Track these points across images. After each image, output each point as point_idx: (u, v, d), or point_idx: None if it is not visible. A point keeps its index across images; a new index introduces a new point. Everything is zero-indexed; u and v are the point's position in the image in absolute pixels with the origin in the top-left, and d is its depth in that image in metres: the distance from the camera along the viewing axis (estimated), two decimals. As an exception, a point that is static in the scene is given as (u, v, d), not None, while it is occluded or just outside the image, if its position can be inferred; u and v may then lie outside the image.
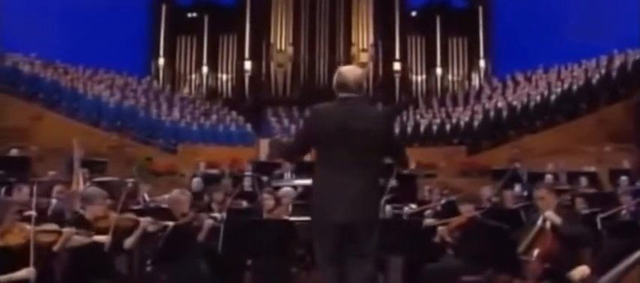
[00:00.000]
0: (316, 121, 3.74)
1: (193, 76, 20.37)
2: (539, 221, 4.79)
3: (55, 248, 4.30)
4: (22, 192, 7.06)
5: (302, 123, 14.27)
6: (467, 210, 5.62)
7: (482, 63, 19.97)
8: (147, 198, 8.08)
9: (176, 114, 16.01)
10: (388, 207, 7.83)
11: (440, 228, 5.53)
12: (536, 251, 4.63)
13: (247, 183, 10.80)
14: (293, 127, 16.61)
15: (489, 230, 5.34)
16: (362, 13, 19.16)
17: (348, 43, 19.14)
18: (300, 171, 12.38)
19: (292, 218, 5.79)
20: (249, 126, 16.87)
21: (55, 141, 12.17)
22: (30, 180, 10.44)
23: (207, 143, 15.78)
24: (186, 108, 17.13)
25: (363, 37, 19.06)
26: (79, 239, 4.66)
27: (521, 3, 18.64)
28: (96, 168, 11.59)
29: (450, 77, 20.11)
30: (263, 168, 12.35)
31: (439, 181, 11.91)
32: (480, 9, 19.85)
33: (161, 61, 20.08)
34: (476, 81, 19.76)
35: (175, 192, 5.98)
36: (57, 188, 7.97)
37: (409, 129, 15.92)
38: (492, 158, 13.66)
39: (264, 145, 15.22)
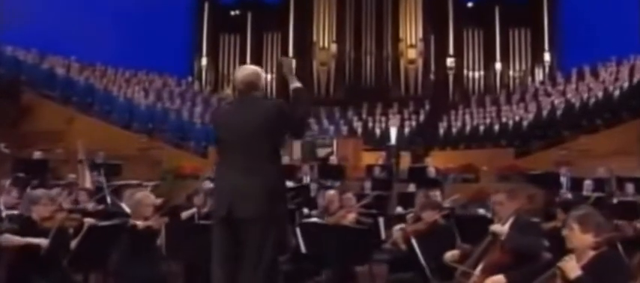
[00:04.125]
0: (213, 122, 4.11)
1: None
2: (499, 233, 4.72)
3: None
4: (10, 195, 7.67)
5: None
6: (429, 216, 5.61)
7: (547, 56, 19.31)
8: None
9: (208, 116, 16.55)
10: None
11: (395, 231, 5.55)
12: (481, 265, 4.58)
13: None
14: (332, 128, 16.76)
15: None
16: (410, 6, 19.00)
17: (396, 39, 19.04)
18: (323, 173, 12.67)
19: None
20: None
21: (86, 144, 12.97)
22: (49, 182, 11.25)
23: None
24: (223, 109, 17.63)
25: (412, 31, 18.89)
26: (14, 239, 5.07)
27: (592, -12, 17.94)
28: (112, 171, 12.36)
29: (510, 73, 19.57)
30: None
31: (475, 187, 11.69)
32: (545, -4, 19.24)
33: (204, 60, 20.76)
34: (540, 76, 19.14)
35: (138, 195, 6.26)
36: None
37: (454, 130, 15.65)
38: (540, 161, 13.25)
39: (297, 148, 15.42)
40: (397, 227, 5.92)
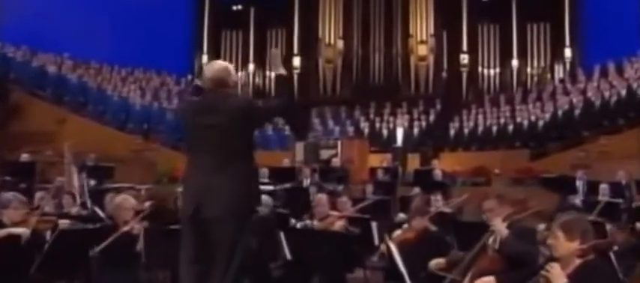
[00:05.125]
0: (181, 118, 4.13)
1: (240, 74, 20.92)
2: (490, 240, 4.73)
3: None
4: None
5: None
6: (418, 224, 5.58)
7: (567, 52, 19.12)
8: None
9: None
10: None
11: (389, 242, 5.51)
12: (470, 273, 4.57)
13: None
14: (337, 129, 16.74)
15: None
16: (421, 0, 18.94)
17: (406, 35, 18.98)
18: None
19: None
20: (287, 129, 17.13)
21: (79, 146, 13.04)
22: (36, 186, 11.33)
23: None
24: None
25: (423, 27, 18.81)
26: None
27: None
28: (104, 174, 12.42)
29: (528, 70, 19.43)
30: (280, 175, 12.65)
31: (482, 191, 11.60)
32: (566, -12, 19.08)
33: (204, 58, 20.74)
34: (560, 73, 18.99)
35: (117, 198, 6.28)
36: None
37: (466, 131, 15.57)
38: (557, 163, 13.15)
39: (300, 149, 15.43)
40: (396, 233, 5.88)
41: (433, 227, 5.71)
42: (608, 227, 5.88)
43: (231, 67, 4.10)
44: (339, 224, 6.39)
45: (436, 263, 5.02)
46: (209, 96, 3.97)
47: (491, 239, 4.70)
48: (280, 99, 4.13)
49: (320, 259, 5.72)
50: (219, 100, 3.90)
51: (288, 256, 5.97)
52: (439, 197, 8.29)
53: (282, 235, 6.07)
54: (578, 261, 3.51)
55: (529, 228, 4.90)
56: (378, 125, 16.85)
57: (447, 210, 7.93)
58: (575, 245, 3.51)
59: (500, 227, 4.64)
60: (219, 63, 4.11)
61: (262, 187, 11.17)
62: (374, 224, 6.84)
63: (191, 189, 3.93)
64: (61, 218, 6.00)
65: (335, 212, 6.87)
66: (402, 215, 8.29)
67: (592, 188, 10.93)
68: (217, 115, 3.84)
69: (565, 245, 3.52)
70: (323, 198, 6.76)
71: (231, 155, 3.83)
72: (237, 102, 3.92)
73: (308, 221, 6.99)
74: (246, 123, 3.87)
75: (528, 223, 5.06)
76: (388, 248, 5.25)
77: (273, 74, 20.67)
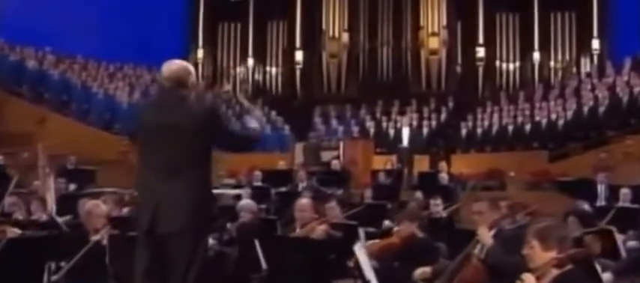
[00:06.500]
0: (138, 116, 4.29)
1: (238, 70, 20.96)
2: (477, 249, 4.66)
3: None
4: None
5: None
6: (405, 229, 5.52)
7: (595, 44, 18.97)
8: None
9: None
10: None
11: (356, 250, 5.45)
12: (454, 283, 4.53)
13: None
14: (340, 129, 16.68)
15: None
16: (433, -11, 18.89)
17: (416, 27, 18.93)
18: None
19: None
20: (287, 129, 17.09)
21: (59, 147, 13.05)
22: (10, 191, 11.36)
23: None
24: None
25: (435, 17, 18.72)
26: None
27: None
28: (85, 177, 12.44)
29: (551, 64, 19.32)
30: (275, 178, 12.62)
31: (491, 195, 11.49)
32: (593, -26, 18.88)
33: (200, 52, 20.84)
34: (587, 67, 18.80)
35: (88, 204, 6.22)
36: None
37: (479, 131, 15.45)
38: (577, 166, 13.02)
39: (299, 150, 15.40)
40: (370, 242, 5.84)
41: (420, 234, 5.63)
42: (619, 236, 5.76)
43: (191, 67, 4.19)
44: (320, 232, 6.32)
45: (422, 272, 5.01)
46: (165, 95, 4.11)
47: (477, 249, 4.64)
48: (245, 138, 4.20)
49: (296, 268, 5.67)
50: (177, 100, 3.98)
51: (264, 265, 5.92)
52: (439, 201, 8.20)
53: (257, 243, 6.03)
54: (555, 272, 3.47)
55: (518, 235, 4.80)
56: (384, 124, 16.78)
57: (442, 215, 7.83)
58: (551, 254, 3.48)
59: (485, 236, 4.58)
60: (179, 62, 4.17)
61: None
62: (361, 231, 6.76)
63: (145, 196, 4.01)
64: (16, 226, 5.98)
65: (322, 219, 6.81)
66: (386, 223, 8.22)
67: (614, 192, 10.81)
68: (173, 115, 3.92)
69: (541, 254, 3.50)
70: (305, 202, 6.66)
71: (186, 158, 3.91)
72: (201, 106, 4.06)
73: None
74: (205, 128, 3.93)
75: (518, 230, 4.97)
76: (377, 258, 5.24)
77: (273, 70, 20.72)
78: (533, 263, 3.53)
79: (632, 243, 6.38)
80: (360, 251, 4.70)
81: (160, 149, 3.93)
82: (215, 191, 12.03)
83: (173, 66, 4.10)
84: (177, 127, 3.89)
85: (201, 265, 3.91)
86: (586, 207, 7.25)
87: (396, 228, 6.25)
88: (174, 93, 4.00)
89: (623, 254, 5.47)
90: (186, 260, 3.85)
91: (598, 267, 4.33)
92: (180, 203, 3.85)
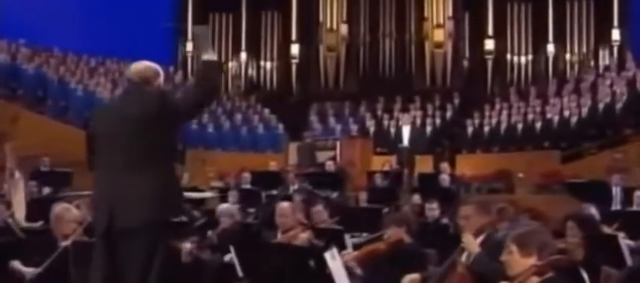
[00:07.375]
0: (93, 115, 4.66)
1: (230, 65, 20.87)
2: (463, 256, 4.65)
3: None
4: None
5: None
6: (393, 234, 5.41)
7: (615, 34, 18.81)
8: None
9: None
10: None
11: (344, 254, 5.37)
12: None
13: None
14: (338, 128, 16.60)
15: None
16: (438, -22, 18.81)
17: (420, 18, 18.84)
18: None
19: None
20: (281, 128, 17.01)
21: (32, 148, 12.95)
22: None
23: (226, 149, 16.14)
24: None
25: (440, 8, 18.60)
26: None
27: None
28: (60, 180, 12.33)
29: (567, 56, 19.21)
30: (264, 180, 12.53)
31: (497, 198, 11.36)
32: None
33: (189, 46, 20.75)
34: (606, 60, 18.67)
35: (57, 208, 6.12)
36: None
37: (486, 129, 15.33)
38: (592, 167, 12.94)
39: (293, 151, 15.33)
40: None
41: (409, 239, 5.53)
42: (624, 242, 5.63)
43: (160, 70, 4.26)
44: (302, 237, 6.24)
45: (410, 279, 5.00)
46: (127, 92, 4.30)
47: (464, 256, 4.60)
48: (201, 85, 4.19)
49: (275, 275, 5.60)
50: (136, 95, 4.09)
51: (240, 273, 5.85)
52: (434, 205, 8.07)
53: (232, 249, 5.96)
54: (535, 280, 3.52)
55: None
56: (386, 123, 16.68)
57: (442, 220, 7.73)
58: (531, 261, 3.55)
59: (470, 243, 4.57)
60: (148, 63, 4.25)
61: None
62: (348, 238, 6.67)
63: (102, 195, 4.05)
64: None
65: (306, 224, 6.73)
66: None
67: (629, 195, 10.67)
68: (129, 110, 4.02)
69: (520, 261, 3.57)
70: (286, 207, 6.58)
71: (144, 154, 3.99)
72: (150, 96, 4.05)
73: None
74: (160, 118, 3.99)
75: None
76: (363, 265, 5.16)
77: (268, 65, 20.63)
78: (512, 271, 3.59)
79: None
80: (333, 258, 4.59)
81: (117, 147, 4.01)
82: (198, 194, 12.03)
83: (140, 65, 4.20)
84: (131, 120, 3.98)
85: (162, 267, 3.95)
86: (593, 210, 7.08)
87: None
88: (134, 89, 4.12)
89: (629, 261, 5.33)
90: (146, 259, 3.90)
91: (584, 275, 4.29)
92: (140, 198, 3.91)
